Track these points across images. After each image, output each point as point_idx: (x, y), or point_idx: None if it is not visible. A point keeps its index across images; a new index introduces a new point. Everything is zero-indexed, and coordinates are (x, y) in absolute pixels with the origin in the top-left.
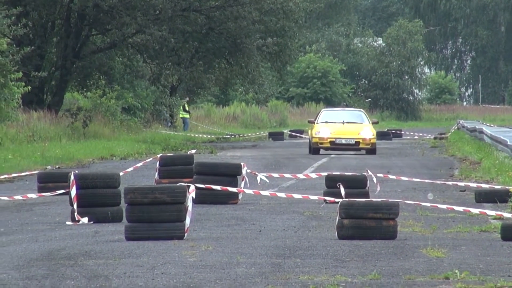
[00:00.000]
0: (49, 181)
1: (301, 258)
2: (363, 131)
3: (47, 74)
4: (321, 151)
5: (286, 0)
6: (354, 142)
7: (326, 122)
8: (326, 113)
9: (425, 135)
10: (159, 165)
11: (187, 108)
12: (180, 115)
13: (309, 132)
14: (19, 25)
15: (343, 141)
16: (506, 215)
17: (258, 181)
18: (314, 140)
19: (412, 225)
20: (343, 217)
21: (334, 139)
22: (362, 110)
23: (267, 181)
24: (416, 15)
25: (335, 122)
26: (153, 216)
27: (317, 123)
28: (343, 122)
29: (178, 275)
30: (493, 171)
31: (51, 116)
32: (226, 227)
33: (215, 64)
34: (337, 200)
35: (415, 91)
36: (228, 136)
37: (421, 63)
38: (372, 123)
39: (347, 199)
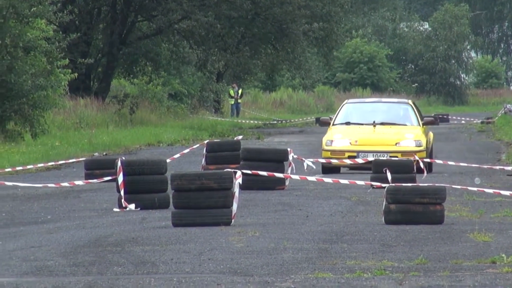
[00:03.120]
0: (96, 168)
1: (348, 243)
2: (405, 139)
3: (94, 61)
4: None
5: None
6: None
7: (348, 123)
8: (350, 108)
9: (472, 119)
10: (206, 151)
11: (232, 94)
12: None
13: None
14: (65, 12)
15: (371, 156)
16: None
17: (305, 167)
18: (324, 154)
19: (459, 210)
20: (390, 202)
21: (355, 153)
22: (409, 101)
23: (314, 167)
24: None
25: (361, 124)
26: (200, 202)
27: (333, 124)
28: (374, 124)
29: (225, 261)
30: None
31: (98, 103)
32: (272, 212)
33: (261, 49)
34: (383, 185)
35: (462, 75)
36: (275, 122)
37: (468, 47)
38: (425, 123)
39: (394, 184)
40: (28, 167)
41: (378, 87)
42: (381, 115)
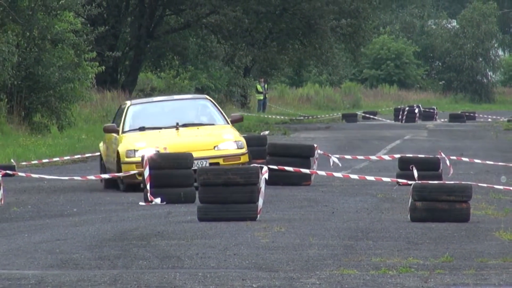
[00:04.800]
0: None
1: (373, 240)
2: (224, 141)
3: (121, 54)
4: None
5: None
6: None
7: (142, 128)
8: (137, 111)
9: (498, 117)
10: None
11: (259, 89)
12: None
13: (104, 150)
14: (93, 5)
15: None
16: None
17: (331, 163)
18: (125, 167)
19: (485, 208)
20: (416, 199)
21: None
22: (207, 97)
23: (339, 164)
24: None
25: (160, 128)
26: (226, 197)
27: (123, 132)
28: (177, 127)
29: (251, 256)
30: None
31: (125, 96)
32: (298, 208)
33: (288, 45)
34: (410, 182)
35: (489, 73)
36: (302, 118)
37: (495, 45)
38: (233, 121)
39: (420, 182)
40: (55, 159)
41: (405, 84)
42: (178, 115)
